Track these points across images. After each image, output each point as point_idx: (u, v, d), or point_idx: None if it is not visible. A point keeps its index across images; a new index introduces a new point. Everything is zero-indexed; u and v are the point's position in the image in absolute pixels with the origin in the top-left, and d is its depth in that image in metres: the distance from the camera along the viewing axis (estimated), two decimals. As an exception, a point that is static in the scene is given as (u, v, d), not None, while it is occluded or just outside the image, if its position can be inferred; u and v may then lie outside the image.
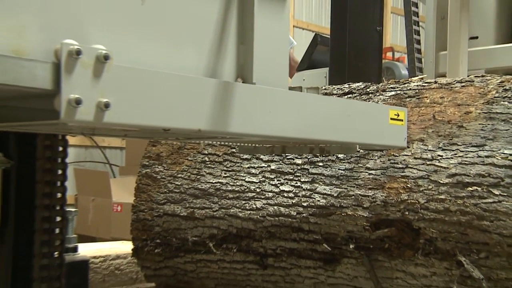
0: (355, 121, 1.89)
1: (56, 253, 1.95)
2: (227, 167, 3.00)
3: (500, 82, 2.65)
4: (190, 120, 1.44)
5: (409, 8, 9.02)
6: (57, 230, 1.97)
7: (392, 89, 2.88)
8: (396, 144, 2.08)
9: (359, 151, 2.24)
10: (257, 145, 2.18)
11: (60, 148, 1.98)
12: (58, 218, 1.97)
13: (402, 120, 2.03)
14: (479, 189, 2.34)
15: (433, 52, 6.28)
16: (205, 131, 1.47)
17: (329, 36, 5.70)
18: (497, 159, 2.36)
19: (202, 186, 3.01)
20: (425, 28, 6.61)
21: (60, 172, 1.98)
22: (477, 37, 5.77)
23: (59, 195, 1.97)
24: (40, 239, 1.90)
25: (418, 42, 8.76)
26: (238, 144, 2.26)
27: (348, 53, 5.14)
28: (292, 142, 2.02)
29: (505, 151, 2.36)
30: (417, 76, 7.87)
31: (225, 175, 2.98)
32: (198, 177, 3.05)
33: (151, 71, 1.40)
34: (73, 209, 2.10)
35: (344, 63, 5.17)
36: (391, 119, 2.00)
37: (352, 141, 1.94)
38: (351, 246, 2.59)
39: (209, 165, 3.05)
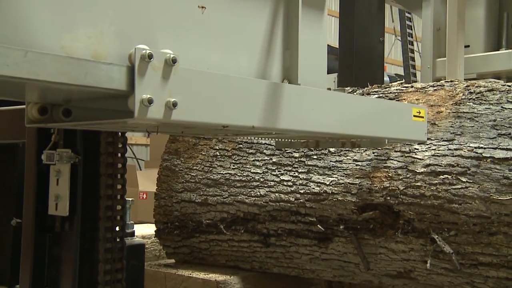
0: (384, 118, 1.89)
1: (118, 237, 1.97)
2: (235, 160, 3.04)
3: (466, 86, 2.74)
4: (245, 118, 1.44)
5: (404, 23, 9.03)
6: (118, 218, 1.98)
7: (376, 93, 2.95)
8: (418, 138, 2.07)
9: (386, 145, 2.21)
10: (293, 140, 2.15)
11: (120, 144, 1.98)
12: (119, 207, 1.98)
13: (423, 117, 2.01)
14: (449, 177, 2.42)
15: (430, 59, 6.27)
16: (257, 128, 1.47)
17: (336, 47, 5.69)
18: (464, 151, 2.44)
19: (214, 176, 3.07)
20: (422, 38, 6.60)
21: (120, 165, 1.98)
22: (468, 46, 5.78)
23: (119, 186, 1.98)
24: (104, 226, 1.91)
25: (412, 51, 8.79)
26: (276, 139, 2.20)
27: (355, 60, 5.13)
28: (327, 137, 2.02)
29: (471, 145, 2.44)
30: (412, 80, 7.92)
31: (234, 167, 3.03)
32: (211, 169, 3.09)
33: (213, 73, 1.41)
34: (130, 199, 2.09)
35: (351, 69, 5.17)
36: (414, 116, 1.98)
37: (381, 136, 1.92)
38: (341, 227, 2.66)
39: (220, 158, 3.09)
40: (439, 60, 6.18)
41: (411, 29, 9.43)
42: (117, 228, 1.95)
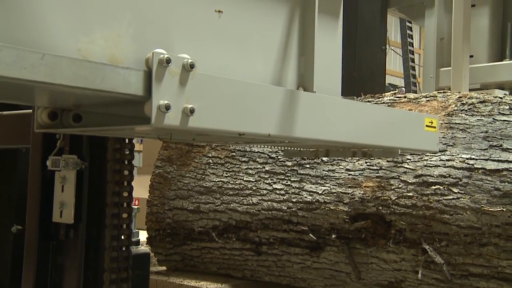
0: (397, 127, 1.85)
1: (124, 246, 1.92)
2: (228, 168, 3.03)
3: (458, 97, 2.76)
4: (262, 126, 1.40)
5: (405, 32, 9.08)
6: (124, 226, 1.93)
7: (369, 102, 2.94)
8: (430, 149, 2.01)
9: (400, 155, 2.17)
10: (302, 149, 2.10)
11: (127, 151, 1.94)
12: (125, 215, 1.94)
13: (435, 127, 1.97)
14: (441, 187, 2.42)
15: (433, 68, 6.29)
16: (273, 136, 1.43)
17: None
18: (456, 162, 2.45)
19: (206, 184, 3.05)
20: (425, 48, 6.61)
21: (126, 172, 1.94)
22: (472, 56, 5.81)
23: (125, 193, 1.93)
24: (110, 234, 1.87)
25: (413, 68, 8.86)
26: (285, 148, 2.13)
27: (357, 68, 5.16)
28: (339, 146, 1.97)
29: (463, 156, 2.45)
30: (412, 90, 7.96)
31: (226, 175, 3.02)
32: (203, 176, 3.08)
33: (230, 79, 1.36)
34: (135, 206, 2.04)
35: (354, 77, 5.21)
36: (426, 126, 1.94)
37: (394, 146, 1.88)
38: (333, 236, 2.65)
39: (213, 166, 3.08)
40: (442, 69, 6.21)
41: (412, 39, 9.48)
42: (123, 237, 1.91)
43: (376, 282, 2.66)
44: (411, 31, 9.52)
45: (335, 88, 1.70)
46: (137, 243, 2.07)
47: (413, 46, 9.47)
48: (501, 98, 2.64)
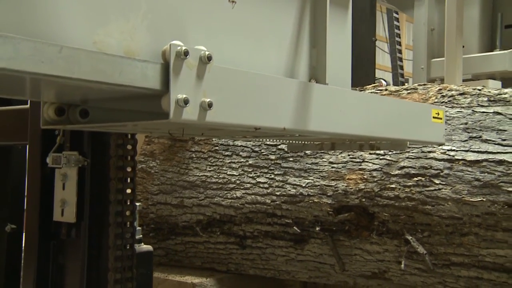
0: (406, 119, 1.83)
1: (128, 245, 1.88)
2: (211, 162, 3.04)
3: (438, 89, 2.80)
4: (278, 119, 1.37)
5: (392, 23, 9.12)
6: (128, 224, 1.87)
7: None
8: (437, 140, 1.98)
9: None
10: (306, 142, 2.07)
11: (130, 147, 1.87)
12: (128, 212, 1.87)
13: (441, 119, 1.95)
14: (423, 179, 2.48)
15: (424, 59, 6.35)
16: (288, 130, 1.39)
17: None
18: (437, 154, 2.50)
19: (190, 178, 3.06)
20: (414, 38, 6.65)
21: (129, 169, 1.88)
22: (463, 46, 5.89)
23: (129, 190, 1.88)
24: (114, 232, 1.82)
25: (401, 59, 8.91)
26: (288, 141, 2.09)
27: None
28: (346, 139, 1.94)
29: (444, 147, 2.50)
30: (399, 83, 8.03)
31: (210, 169, 3.03)
32: (187, 171, 3.08)
33: (247, 71, 1.32)
34: (138, 203, 1.99)
35: None
36: (433, 117, 1.92)
37: (403, 138, 1.86)
38: (317, 229, 2.69)
39: (196, 160, 3.09)
40: (433, 60, 6.29)
41: (399, 30, 9.52)
42: (127, 235, 1.86)
43: (360, 273, 2.70)
44: (398, 22, 9.57)
45: (345, 80, 1.68)
46: (139, 241, 2.03)
47: (400, 38, 9.52)
48: (479, 90, 2.72)
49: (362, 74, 5.21)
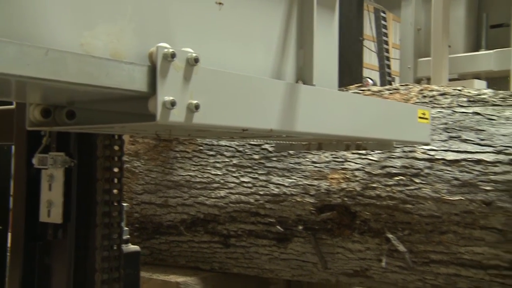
0: (392, 119, 1.84)
1: (115, 245, 1.88)
2: (195, 162, 3.05)
3: (419, 90, 2.84)
4: (265, 120, 1.37)
5: (379, 22, 9.19)
6: (115, 224, 1.89)
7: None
8: (423, 140, 2.00)
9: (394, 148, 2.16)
10: (294, 142, 2.08)
11: (117, 147, 1.89)
12: (115, 213, 1.87)
13: (427, 119, 1.96)
14: (403, 178, 2.52)
15: (411, 59, 6.42)
16: (275, 131, 1.40)
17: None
18: (418, 153, 2.54)
19: (174, 178, 3.07)
20: (401, 38, 6.71)
21: (116, 170, 1.89)
22: (449, 46, 5.95)
23: (115, 191, 1.87)
24: (101, 233, 1.82)
25: (388, 59, 8.98)
26: (275, 142, 2.10)
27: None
28: (334, 139, 1.96)
29: (424, 147, 2.53)
30: (387, 82, 8.11)
31: (194, 169, 3.04)
32: (171, 170, 3.10)
33: (234, 73, 1.32)
34: (125, 204, 1.98)
35: None
36: (419, 117, 1.93)
37: (389, 138, 1.87)
38: (300, 227, 2.72)
39: (180, 160, 3.10)
40: (420, 60, 6.37)
41: (386, 29, 9.58)
42: (114, 235, 1.86)
43: (342, 271, 2.72)
44: (385, 21, 9.63)
45: (332, 81, 1.69)
46: (127, 241, 2.02)
47: (387, 37, 9.59)
48: (459, 90, 2.79)
49: (350, 73, 5.22)
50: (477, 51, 6.41)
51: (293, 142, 2.07)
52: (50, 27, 1.08)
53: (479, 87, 5.87)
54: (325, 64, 1.65)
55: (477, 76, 6.24)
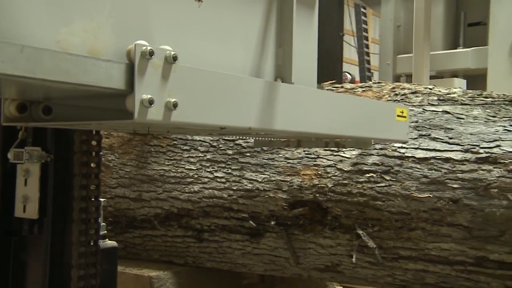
0: (371, 118, 1.84)
1: (92, 241, 1.86)
2: (169, 157, 3.07)
3: (391, 88, 2.89)
4: (243, 119, 1.36)
5: (360, 18, 9.27)
6: (92, 220, 1.86)
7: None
8: (401, 138, 2.01)
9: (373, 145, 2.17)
10: (273, 139, 2.08)
11: (94, 142, 1.86)
12: (93, 208, 1.84)
13: (405, 117, 1.98)
14: (374, 175, 2.57)
15: (391, 55, 6.52)
16: (254, 129, 1.39)
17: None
18: (388, 151, 2.59)
19: (148, 172, 3.07)
20: (381, 35, 6.80)
21: (94, 165, 1.86)
22: None
23: (93, 187, 1.84)
24: (78, 229, 1.80)
25: (368, 54, 9.07)
26: (254, 138, 2.10)
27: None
28: (313, 137, 1.94)
29: (395, 145, 2.59)
30: (367, 75, 8.21)
31: (168, 163, 3.06)
32: (145, 165, 3.10)
33: (212, 71, 1.30)
34: (102, 199, 1.94)
35: None
36: (397, 115, 1.94)
37: (368, 136, 1.87)
38: (273, 223, 2.75)
39: (154, 154, 3.11)
40: (400, 56, 6.46)
41: (366, 24, 9.65)
42: (91, 231, 1.83)
43: (313, 266, 2.77)
44: (366, 17, 9.71)
45: (311, 79, 1.68)
46: (104, 237, 2.01)
47: (367, 32, 9.67)
48: (430, 89, 2.86)
49: (330, 68, 5.22)
50: (455, 48, 6.51)
51: (272, 139, 2.08)
52: (26, 23, 1.07)
53: (460, 85, 5.97)
54: (304, 62, 1.65)
55: (455, 73, 6.35)
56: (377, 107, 1.94)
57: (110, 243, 2.04)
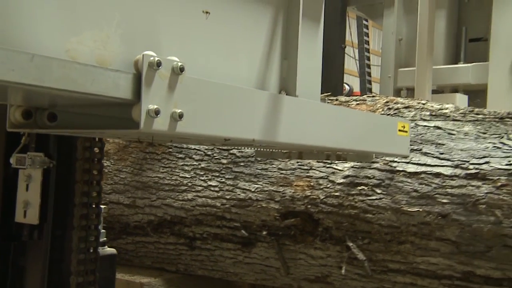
0: (373, 132, 1.85)
1: (92, 248, 1.86)
2: (164, 164, 3.09)
3: (385, 102, 2.92)
4: (247, 130, 1.37)
5: (361, 30, 9.34)
6: (92, 227, 1.87)
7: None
8: (402, 153, 2.03)
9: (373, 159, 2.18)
10: (274, 150, 2.08)
11: (97, 149, 1.87)
12: (94, 216, 1.85)
13: (406, 132, 2.00)
14: (365, 188, 2.60)
15: (392, 68, 6.59)
16: (258, 141, 1.40)
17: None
18: (380, 164, 2.62)
19: (143, 179, 3.10)
20: (383, 47, 6.86)
21: (96, 172, 1.87)
22: None
23: (94, 193, 1.86)
24: (78, 235, 1.81)
25: (368, 66, 9.15)
26: (256, 149, 2.11)
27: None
28: (315, 150, 1.97)
29: (387, 158, 2.61)
30: (367, 92, 8.29)
31: (163, 171, 3.08)
32: (140, 171, 3.13)
33: (218, 83, 1.32)
34: (103, 206, 1.96)
35: None
36: (399, 130, 1.96)
37: (370, 150, 1.89)
38: (264, 233, 2.78)
39: (150, 162, 3.13)
40: (401, 70, 6.55)
41: (368, 37, 9.74)
42: (91, 238, 1.83)
43: (303, 277, 2.78)
44: (367, 29, 9.80)
45: (315, 92, 1.71)
46: (103, 244, 2.00)
47: (368, 45, 9.75)
48: (423, 104, 2.93)
49: (331, 79, 5.25)
50: (456, 63, 6.58)
51: (274, 150, 2.08)
52: (36, 32, 1.08)
53: (461, 100, 6.05)
54: (308, 75, 1.66)
55: (455, 88, 6.42)
56: (379, 121, 1.96)
57: (109, 250, 2.04)
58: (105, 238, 2.03)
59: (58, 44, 1.11)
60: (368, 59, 9.43)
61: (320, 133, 1.61)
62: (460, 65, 6.47)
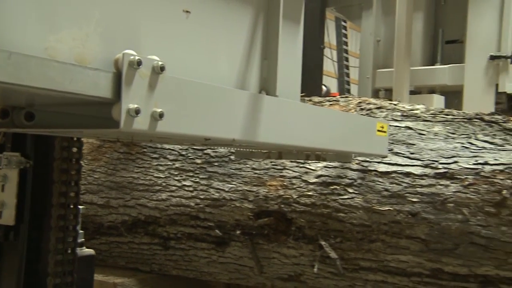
0: (352, 132, 1.87)
1: (69, 249, 1.86)
2: (138, 164, 3.10)
3: (358, 102, 2.96)
4: (228, 130, 1.38)
5: (340, 31, 9.43)
6: (70, 227, 1.87)
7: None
8: (380, 153, 2.06)
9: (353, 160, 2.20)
10: (254, 150, 2.08)
11: (75, 149, 1.87)
12: (71, 216, 1.83)
13: (385, 132, 2.02)
14: (338, 187, 2.64)
15: (370, 69, 6.68)
16: (238, 141, 1.40)
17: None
18: (352, 164, 2.65)
19: (117, 179, 3.10)
20: (361, 49, 6.95)
21: (74, 172, 1.87)
22: None
23: (72, 194, 1.84)
24: (55, 236, 1.81)
25: (347, 67, 9.24)
26: (235, 149, 2.12)
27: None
28: (294, 150, 1.97)
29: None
30: (345, 93, 8.38)
31: (137, 171, 3.08)
32: (114, 171, 3.13)
33: (198, 82, 1.31)
34: (81, 207, 1.94)
35: None
36: (378, 130, 1.98)
37: (349, 150, 1.91)
38: (238, 232, 2.80)
39: (124, 162, 3.14)
40: (379, 71, 6.66)
41: (347, 38, 9.84)
42: (69, 239, 1.82)
43: (277, 276, 2.81)
44: (346, 30, 9.90)
45: (295, 92, 1.72)
46: (81, 245, 1.98)
47: (347, 46, 9.86)
48: (395, 105, 3.02)
49: (310, 80, 5.25)
50: (433, 65, 6.71)
51: (253, 150, 2.08)
52: (14, 30, 1.07)
53: (438, 101, 6.18)
54: (288, 75, 1.67)
55: (433, 89, 6.54)
56: (358, 122, 1.97)
57: (87, 251, 2.01)
58: (83, 239, 2.02)
59: (37, 42, 1.10)
60: (347, 60, 9.55)
61: (300, 133, 1.62)
62: (437, 66, 6.60)
